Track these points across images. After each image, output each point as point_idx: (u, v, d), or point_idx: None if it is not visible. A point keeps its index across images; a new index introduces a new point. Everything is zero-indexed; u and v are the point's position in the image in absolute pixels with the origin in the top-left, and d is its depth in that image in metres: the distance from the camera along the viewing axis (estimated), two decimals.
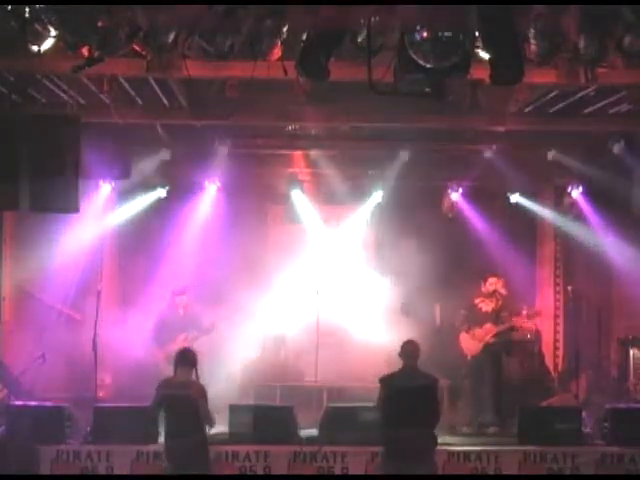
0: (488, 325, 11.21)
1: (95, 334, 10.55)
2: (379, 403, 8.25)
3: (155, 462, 9.66)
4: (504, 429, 10.92)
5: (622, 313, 13.32)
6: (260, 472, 9.76)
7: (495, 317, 11.24)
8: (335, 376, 12.09)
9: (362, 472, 9.79)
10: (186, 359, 8.44)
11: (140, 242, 13.48)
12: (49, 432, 9.85)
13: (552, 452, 9.83)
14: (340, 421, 10.14)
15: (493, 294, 11.33)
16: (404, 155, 12.82)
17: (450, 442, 10.15)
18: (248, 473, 9.72)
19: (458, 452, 9.82)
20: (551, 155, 12.25)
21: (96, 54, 7.65)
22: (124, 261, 13.86)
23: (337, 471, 9.83)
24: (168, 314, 12.01)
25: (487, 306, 11.34)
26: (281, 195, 13.93)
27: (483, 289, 11.42)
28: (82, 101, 10.56)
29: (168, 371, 11.31)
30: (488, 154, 12.55)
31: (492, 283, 11.35)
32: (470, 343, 11.24)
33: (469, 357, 11.26)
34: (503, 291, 11.37)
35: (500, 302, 11.31)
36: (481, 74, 7.57)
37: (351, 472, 9.81)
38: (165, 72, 8.75)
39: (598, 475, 9.71)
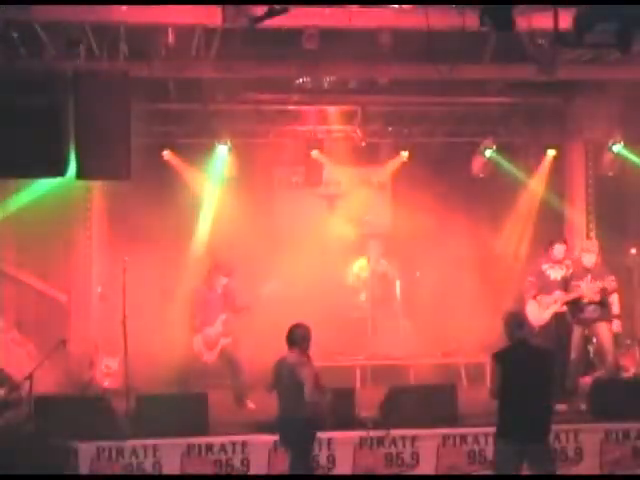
0: (557, 293, 10.45)
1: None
2: (494, 381, 7.41)
3: (207, 456, 8.77)
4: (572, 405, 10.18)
5: None
6: (324, 462, 8.89)
7: (564, 285, 10.45)
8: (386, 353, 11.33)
9: (434, 457, 9.04)
10: (294, 337, 7.69)
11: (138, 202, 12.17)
12: (87, 426, 8.78)
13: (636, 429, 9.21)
14: (404, 402, 9.32)
15: (562, 261, 10.56)
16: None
17: None
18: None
19: None
20: None
21: None
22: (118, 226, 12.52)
23: (406, 456, 9.04)
24: (208, 294, 10.85)
25: (556, 273, 10.56)
26: (299, 156, 12.92)
27: (551, 256, 10.62)
28: None
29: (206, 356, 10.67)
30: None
31: (560, 251, 10.56)
32: (536, 311, 10.45)
33: (535, 326, 10.45)
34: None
35: (571, 269, 10.52)
36: None
37: (422, 457, 9.04)
38: None
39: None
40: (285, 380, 7.61)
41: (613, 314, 10.33)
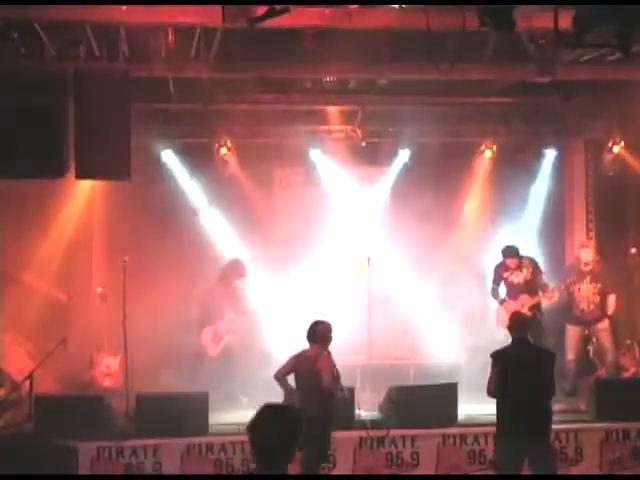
0: (523, 296, 10.49)
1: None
2: (493, 380, 7.41)
3: (207, 456, 8.78)
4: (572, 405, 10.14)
5: None
6: None
7: (529, 287, 10.52)
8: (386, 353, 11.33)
9: (434, 457, 9.05)
10: (314, 334, 7.81)
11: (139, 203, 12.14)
12: (87, 426, 8.78)
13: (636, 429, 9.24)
14: (404, 402, 9.33)
15: (520, 266, 10.63)
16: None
17: None
18: None
19: None
20: None
21: None
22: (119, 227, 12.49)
23: (406, 456, 9.05)
24: (221, 292, 11.00)
25: (517, 277, 10.64)
26: (299, 156, 12.89)
27: (506, 264, 10.71)
28: None
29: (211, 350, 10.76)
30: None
31: (511, 261, 10.64)
32: (504, 316, 10.40)
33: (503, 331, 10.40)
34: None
35: (530, 269, 10.58)
36: None
37: (422, 457, 9.05)
38: None
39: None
40: (303, 372, 7.72)
41: (607, 313, 10.42)
